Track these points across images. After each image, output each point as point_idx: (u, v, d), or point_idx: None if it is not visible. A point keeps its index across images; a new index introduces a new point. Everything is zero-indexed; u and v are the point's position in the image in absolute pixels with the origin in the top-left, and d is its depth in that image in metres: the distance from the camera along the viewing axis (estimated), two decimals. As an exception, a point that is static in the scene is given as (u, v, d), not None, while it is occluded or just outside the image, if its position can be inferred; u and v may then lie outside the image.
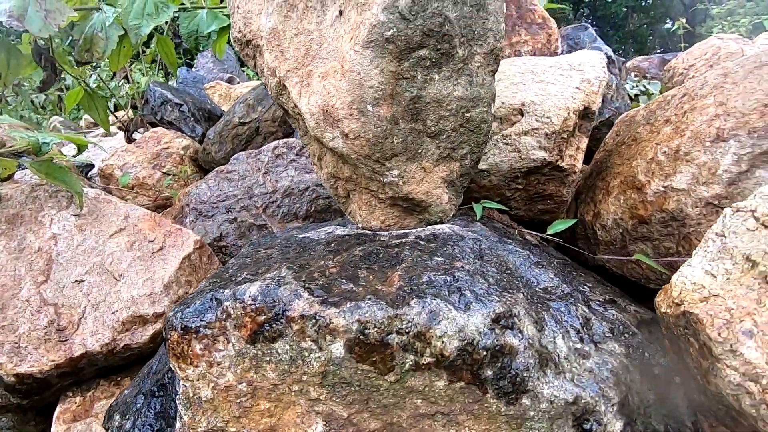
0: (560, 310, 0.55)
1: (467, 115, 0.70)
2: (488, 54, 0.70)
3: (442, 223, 0.79)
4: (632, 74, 3.37)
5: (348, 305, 0.46)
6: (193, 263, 0.94)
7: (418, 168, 0.71)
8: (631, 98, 2.56)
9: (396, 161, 0.69)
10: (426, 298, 0.46)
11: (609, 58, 2.21)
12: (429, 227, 0.73)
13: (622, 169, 1.25)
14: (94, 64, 1.36)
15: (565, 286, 0.68)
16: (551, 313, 0.53)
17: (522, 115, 1.08)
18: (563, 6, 3.07)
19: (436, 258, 0.57)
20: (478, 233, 0.78)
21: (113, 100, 2.28)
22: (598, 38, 2.29)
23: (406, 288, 0.48)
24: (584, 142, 1.13)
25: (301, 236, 0.86)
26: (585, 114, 1.11)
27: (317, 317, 0.46)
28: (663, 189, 1.09)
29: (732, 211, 0.52)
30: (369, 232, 0.73)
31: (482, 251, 0.66)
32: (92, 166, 2.07)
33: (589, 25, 2.33)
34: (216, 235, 1.26)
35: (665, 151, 1.11)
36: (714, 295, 0.45)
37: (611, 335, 0.54)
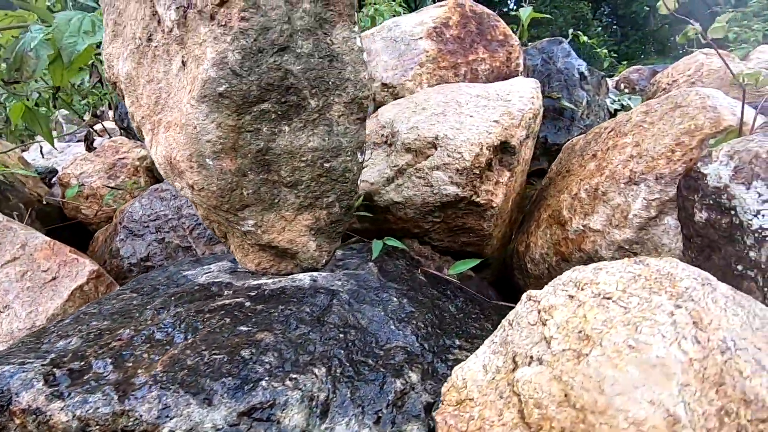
0: (375, 383, 0.53)
1: (327, 165, 0.69)
2: (350, 103, 0.68)
3: (316, 269, 0.77)
4: (623, 86, 3.29)
5: (76, 398, 0.44)
6: (86, 294, 0.94)
7: (277, 217, 0.70)
8: (611, 114, 2.49)
9: (250, 211, 0.68)
10: (169, 388, 0.44)
11: (581, 74, 2.16)
12: (289, 277, 0.72)
13: (552, 201, 1.22)
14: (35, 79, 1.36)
15: (419, 344, 0.66)
16: (357, 389, 0.51)
17: (435, 148, 1.06)
18: (547, 15, 3.00)
19: (242, 327, 0.55)
20: (350, 281, 0.77)
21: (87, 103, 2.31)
22: (572, 53, 2.23)
23: (161, 374, 0.47)
24: (505, 176, 1.10)
25: (184, 273, 0.85)
26: (504, 148, 1.08)
27: (39, 412, 0.44)
28: (582, 228, 1.06)
29: (526, 297, 0.49)
30: (226, 280, 0.72)
31: (330, 309, 0.64)
32: (56, 171, 2.09)
33: (563, 39, 2.27)
34: (143, 255, 1.27)
35: (587, 189, 1.07)
36: (469, 399, 0.42)
37: (424, 413, 0.52)
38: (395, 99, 1.71)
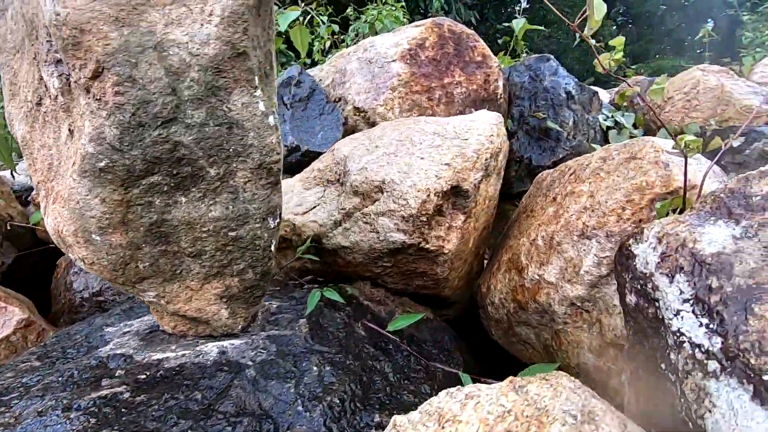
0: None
1: (232, 234, 0.65)
2: (257, 169, 0.63)
3: (233, 335, 0.73)
4: (617, 98, 3.18)
5: None
6: (14, 344, 0.92)
7: (181, 287, 0.66)
8: (603, 131, 2.40)
9: (149, 283, 0.64)
10: None
11: (568, 93, 2.08)
12: (196, 349, 0.68)
13: (513, 243, 1.16)
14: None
15: (326, 429, 0.62)
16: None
17: (382, 193, 1.01)
18: (540, 28, 2.91)
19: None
20: (268, 348, 0.73)
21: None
22: (560, 70, 2.15)
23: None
24: (459, 220, 1.05)
25: (104, 331, 0.82)
26: (457, 192, 1.02)
27: None
28: (537, 277, 1.00)
29: (392, 425, 0.44)
30: (131, 350, 0.68)
31: (227, 392, 0.60)
32: (32, 189, 2.09)
33: (551, 57, 2.19)
34: (96, 290, 1.24)
35: (543, 236, 1.02)
36: None
37: None
38: (367, 123, 1.66)
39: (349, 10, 4.87)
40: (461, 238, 1.07)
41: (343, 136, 1.66)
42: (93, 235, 0.58)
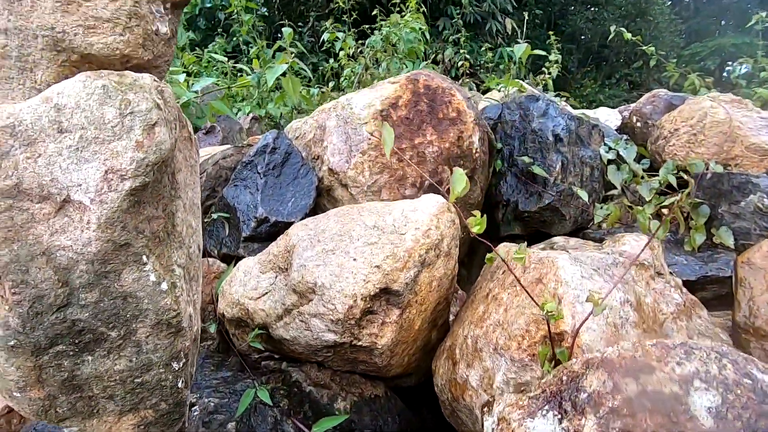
0: None
1: (138, 380, 0.74)
2: (156, 325, 0.72)
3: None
4: (635, 119, 3.04)
5: None
6: (1, 427, 1.06)
7: (99, 422, 0.76)
8: (604, 165, 2.32)
9: (71, 421, 0.74)
10: None
11: (556, 136, 2.03)
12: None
13: (456, 330, 1.19)
14: None
15: None
16: None
17: (315, 294, 1.07)
18: (543, 53, 2.82)
19: None
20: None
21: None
22: (550, 110, 2.10)
23: None
24: (394, 315, 1.09)
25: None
26: (388, 291, 1.07)
27: None
28: (465, 377, 1.04)
29: None
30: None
31: None
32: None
33: (541, 96, 2.14)
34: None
35: (472, 336, 1.04)
36: None
37: None
38: (341, 185, 1.72)
39: (373, 22, 4.85)
40: (398, 330, 1.12)
41: (318, 195, 1.73)
42: (14, 392, 0.69)
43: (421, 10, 5.02)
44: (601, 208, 2.08)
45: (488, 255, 0.83)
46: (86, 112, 0.60)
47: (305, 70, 2.91)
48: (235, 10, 4.24)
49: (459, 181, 0.74)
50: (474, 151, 1.78)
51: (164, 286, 0.71)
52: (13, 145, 0.58)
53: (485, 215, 0.84)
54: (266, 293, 1.22)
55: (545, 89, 3.97)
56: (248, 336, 1.21)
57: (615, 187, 2.30)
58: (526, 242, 0.89)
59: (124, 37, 0.68)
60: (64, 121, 0.60)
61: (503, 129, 2.19)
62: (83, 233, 0.62)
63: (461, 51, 5.35)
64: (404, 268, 1.07)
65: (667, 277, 1.11)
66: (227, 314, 1.28)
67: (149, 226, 0.69)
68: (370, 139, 1.65)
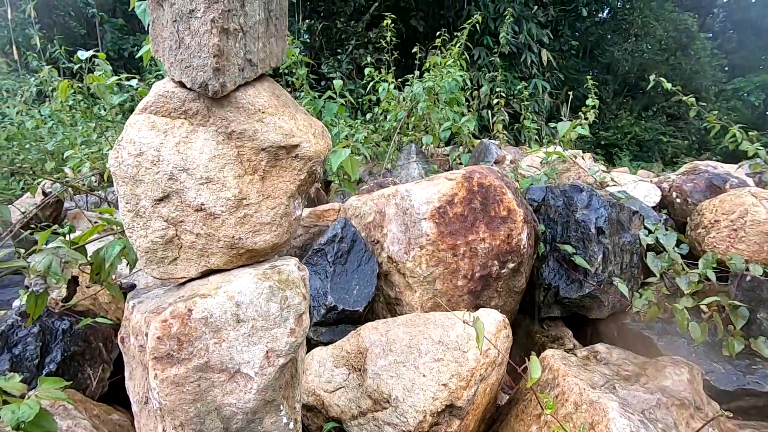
0: None
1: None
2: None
3: None
4: (675, 194, 3.11)
5: None
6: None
7: None
8: (645, 250, 2.42)
9: None
10: None
11: (599, 229, 2.15)
12: None
13: (506, 437, 1.34)
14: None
15: None
16: None
17: (389, 404, 1.25)
18: (582, 131, 2.95)
19: None
20: None
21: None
22: (593, 202, 2.23)
23: None
24: (455, 425, 1.25)
25: None
26: (452, 407, 1.23)
27: None
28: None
29: None
30: None
31: None
32: (134, 286, 2.57)
33: (585, 187, 2.28)
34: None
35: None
36: None
37: None
38: (398, 273, 1.90)
39: (412, 56, 5.05)
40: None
41: (378, 279, 1.92)
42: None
43: (464, 56, 5.24)
44: (640, 297, 2.18)
45: (530, 380, 0.98)
46: (257, 307, 0.81)
47: (347, 105, 3.10)
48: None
49: (535, 368, 0.90)
50: (522, 247, 1.93)
51: (291, 424, 0.90)
52: (205, 332, 0.79)
53: (536, 356, 0.99)
54: (340, 388, 1.40)
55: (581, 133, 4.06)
56: (324, 425, 1.40)
57: (654, 274, 2.39)
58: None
59: (277, 232, 0.89)
60: (241, 314, 0.80)
61: (547, 212, 2.33)
62: (245, 395, 0.81)
63: (497, 89, 5.53)
64: (467, 387, 1.23)
65: (705, 409, 1.23)
66: (302, 399, 1.47)
67: (285, 378, 0.88)
68: (428, 235, 1.83)
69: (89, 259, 1.63)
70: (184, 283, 0.95)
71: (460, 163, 4.53)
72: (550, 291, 2.21)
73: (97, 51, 2.49)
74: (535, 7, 9.46)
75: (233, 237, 0.84)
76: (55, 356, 1.69)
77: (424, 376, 1.25)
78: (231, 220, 0.83)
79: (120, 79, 2.65)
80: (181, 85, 0.81)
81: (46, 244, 1.61)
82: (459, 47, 4.85)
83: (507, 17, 5.95)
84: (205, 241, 0.85)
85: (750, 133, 4.67)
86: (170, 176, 0.82)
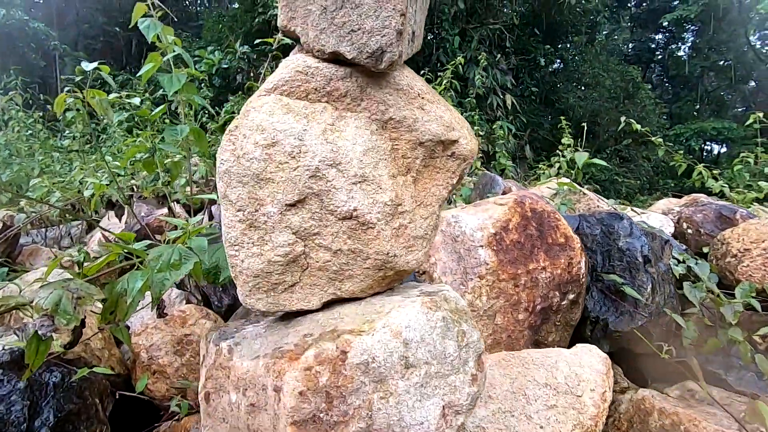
0: None
1: None
2: None
3: None
4: (685, 225, 3.15)
5: None
6: None
7: None
8: (677, 279, 2.36)
9: None
10: None
11: (645, 257, 2.08)
12: None
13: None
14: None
15: None
16: None
17: (504, 465, 1.03)
18: (602, 162, 2.97)
19: None
20: None
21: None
22: (635, 230, 2.17)
23: None
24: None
25: None
26: (576, 464, 1.03)
27: None
28: None
29: None
30: None
31: None
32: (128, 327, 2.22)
33: (624, 215, 2.23)
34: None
35: None
36: None
37: None
38: (454, 306, 1.72)
39: None
40: None
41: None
42: None
43: (449, 93, 5.33)
44: (688, 329, 2.09)
45: None
46: (429, 346, 0.60)
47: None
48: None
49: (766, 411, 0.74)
50: (581, 276, 1.81)
51: None
52: (364, 382, 0.58)
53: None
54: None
55: (558, 171, 4.11)
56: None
57: (692, 304, 2.33)
58: None
59: (426, 249, 0.71)
60: (410, 357, 0.60)
61: (584, 242, 2.24)
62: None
63: (475, 127, 5.65)
64: (596, 428, 1.04)
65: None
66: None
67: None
68: (488, 264, 1.67)
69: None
70: (290, 318, 0.73)
71: (461, 195, 4.46)
72: (597, 324, 2.08)
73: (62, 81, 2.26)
74: (498, 55, 10.01)
75: (387, 254, 0.65)
76: (47, 417, 1.35)
77: (541, 428, 1.05)
78: (387, 232, 0.64)
79: (120, 97, 2.41)
80: (329, 59, 0.63)
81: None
82: (443, 87, 4.95)
83: (481, 61, 6.20)
84: (345, 260, 0.65)
85: (714, 171, 4.92)
86: (313, 173, 0.62)
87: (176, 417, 1.64)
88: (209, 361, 0.73)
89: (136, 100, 2.39)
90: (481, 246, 1.71)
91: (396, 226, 0.65)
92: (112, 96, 2.35)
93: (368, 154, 0.63)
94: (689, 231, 3.12)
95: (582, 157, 2.86)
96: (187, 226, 1.47)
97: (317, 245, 0.65)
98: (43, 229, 4.42)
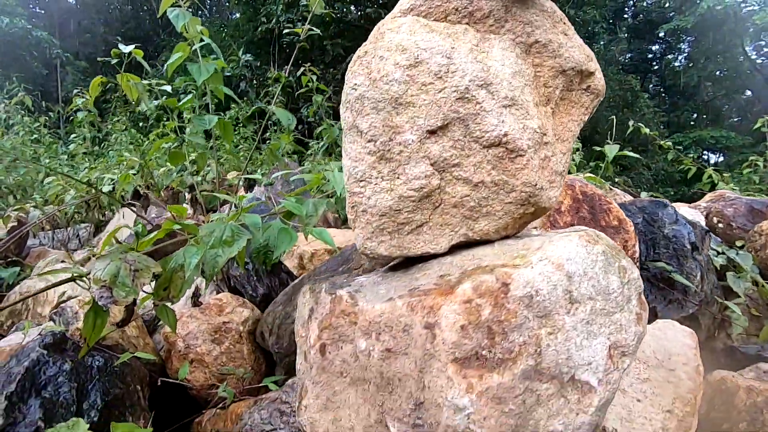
0: None
1: None
2: None
3: None
4: (716, 219, 3.11)
5: None
6: None
7: None
8: (717, 270, 2.32)
9: None
10: None
11: (693, 244, 2.04)
12: None
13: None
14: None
15: None
16: None
17: (602, 441, 0.97)
18: (632, 154, 2.95)
19: None
20: None
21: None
22: (680, 218, 2.13)
23: None
24: (675, 464, 0.99)
25: None
26: (677, 439, 0.97)
27: None
28: None
29: None
30: None
31: None
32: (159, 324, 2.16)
33: (668, 202, 2.19)
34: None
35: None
36: None
37: None
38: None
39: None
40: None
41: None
42: None
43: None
44: (738, 319, 2.04)
45: None
46: (593, 281, 0.55)
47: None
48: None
49: None
50: (635, 260, 1.76)
51: None
52: (528, 317, 0.52)
53: None
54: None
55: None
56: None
57: (733, 296, 2.28)
58: None
59: (561, 187, 0.66)
60: (574, 291, 0.54)
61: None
62: (578, 417, 0.54)
63: None
64: (694, 414, 0.99)
65: None
66: None
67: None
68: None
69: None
70: (409, 266, 0.68)
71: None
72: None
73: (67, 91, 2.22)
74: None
75: (535, 185, 0.60)
76: (94, 400, 1.28)
77: (638, 401, 0.99)
78: (535, 161, 0.59)
79: (151, 84, 2.36)
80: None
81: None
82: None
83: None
84: (486, 193, 0.60)
85: (724, 174, 4.92)
86: (462, 94, 0.57)
87: (221, 405, 1.56)
88: (322, 311, 0.67)
89: (167, 88, 2.35)
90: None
91: (542, 157, 0.60)
92: (145, 83, 2.31)
93: (516, 77, 0.59)
94: (720, 225, 3.08)
95: (613, 150, 2.83)
96: (241, 200, 1.42)
97: (455, 178, 0.60)
98: (50, 231, 4.35)
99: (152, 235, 1.35)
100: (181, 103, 2.46)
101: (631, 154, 2.90)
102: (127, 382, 1.49)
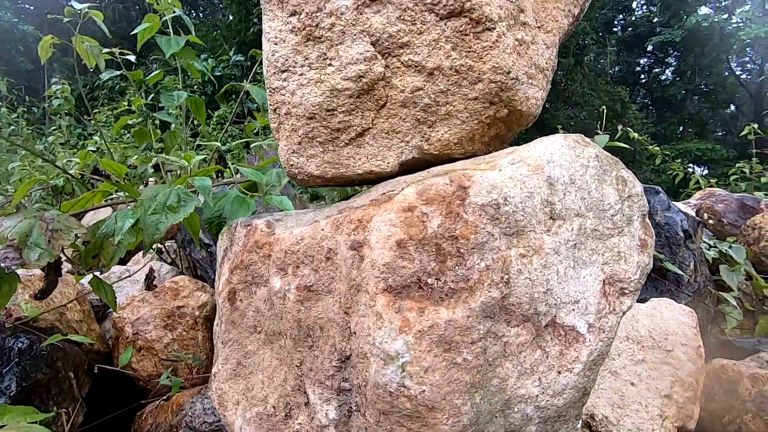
0: None
1: None
2: None
3: None
4: (706, 216, 3.02)
5: None
6: None
7: None
8: (709, 263, 2.21)
9: None
10: None
11: (686, 232, 1.92)
12: None
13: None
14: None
15: None
16: None
17: (598, 429, 0.82)
18: (625, 146, 2.85)
19: None
20: None
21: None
22: (672, 205, 2.02)
23: None
24: (675, 460, 0.84)
25: None
26: (683, 430, 0.83)
27: None
28: None
29: None
30: None
31: None
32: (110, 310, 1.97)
33: (660, 189, 2.07)
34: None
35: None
36: None
37: None
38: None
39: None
40: None
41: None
42: None
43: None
44: (732, 312, 1.92)
45: None
46: (582, 192, 0.41)
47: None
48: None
49: None
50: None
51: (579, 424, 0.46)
52: (493, 234, 0.37)
53: None
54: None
55: None
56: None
57: (729, 289, 2.17)
58: None
59: (545, 90, 0.52)
60: (557, 203, 0.40)
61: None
62: (559, 376, 0.39)
63: None
64: (696, 400, 0.84)
65: None
66: None
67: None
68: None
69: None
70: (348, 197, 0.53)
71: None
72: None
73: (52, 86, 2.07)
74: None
75: (508, 73, 0.45)
76: (8, 386, 1.11)
77: (632, 384, 0.85)
78: (508, 41, 0.45)
79: (112, 53, 2.20)
80: None
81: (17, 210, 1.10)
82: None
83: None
84: (444, 85, 0.45)
85: (711, 181, 4.89)
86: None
87: (165, 396, 1.39)
88: (235, 249, 0.52)
89: (131, 57, 2.18)
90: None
91: (519, 39, 0.46)
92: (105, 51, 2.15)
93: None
94: (710, 221, 2.99)
95: (603, 140, 2.72)
96: (188, 160, 1.26)
97: (404, 64, 0.45)
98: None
99: (82, 196, 1.18)
100: (148, 77, 2.31)
101: (622, 145, 2.79)
102: (56, 368, 1.31)
